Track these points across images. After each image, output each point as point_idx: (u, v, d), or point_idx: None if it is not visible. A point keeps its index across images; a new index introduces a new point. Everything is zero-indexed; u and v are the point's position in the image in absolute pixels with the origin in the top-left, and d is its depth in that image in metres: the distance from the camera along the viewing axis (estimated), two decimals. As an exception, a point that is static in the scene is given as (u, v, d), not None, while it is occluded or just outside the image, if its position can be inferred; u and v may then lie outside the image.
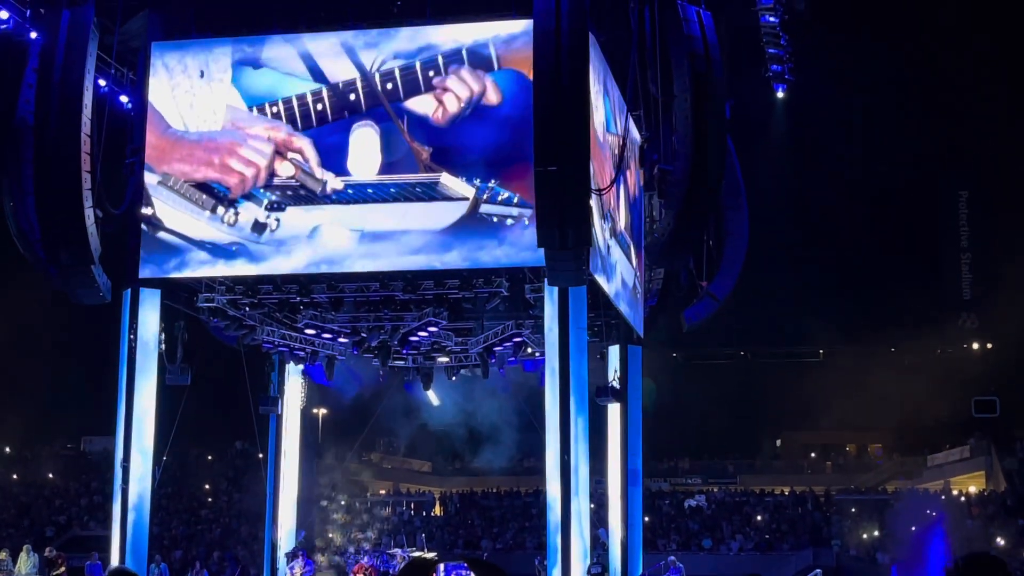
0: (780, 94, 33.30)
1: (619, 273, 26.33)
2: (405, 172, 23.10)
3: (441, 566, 27.98)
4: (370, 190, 23.26)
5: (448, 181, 22.83)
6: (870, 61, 49.54)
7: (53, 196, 21.98)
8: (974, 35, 47.93)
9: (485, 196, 22.58)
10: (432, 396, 32.54)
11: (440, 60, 23.13)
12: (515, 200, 22.42)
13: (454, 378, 30.47)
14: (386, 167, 23.19)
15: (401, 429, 45.05)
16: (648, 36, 23.49)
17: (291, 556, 29.59)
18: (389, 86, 23.35)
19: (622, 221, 26.77)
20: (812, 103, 41.46)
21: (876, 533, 40.92)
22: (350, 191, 23.35)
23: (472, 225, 22.64)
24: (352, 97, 23.49)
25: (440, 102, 23.06)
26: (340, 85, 23.56)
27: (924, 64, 49.98)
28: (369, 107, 23.44)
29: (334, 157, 23.46)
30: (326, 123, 23.56)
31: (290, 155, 23.62)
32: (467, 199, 22.67)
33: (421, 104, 23.17)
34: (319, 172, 23.44)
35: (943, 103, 52.22)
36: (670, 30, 22.72)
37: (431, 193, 22.90)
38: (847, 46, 45.89)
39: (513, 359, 28.23)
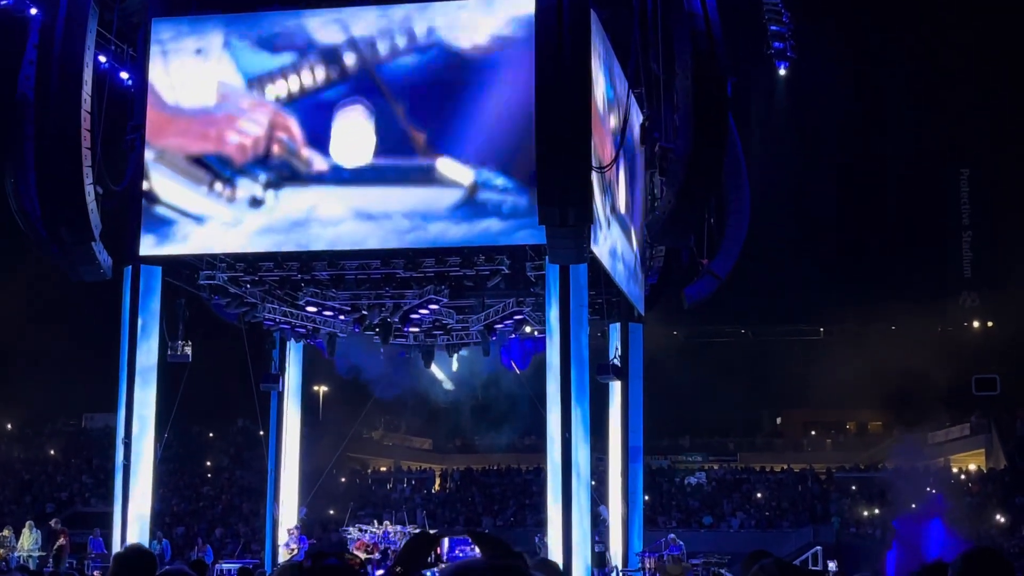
0: (782, 71, 33.14)
1: (619, 249, 26.27)
2: (399, 155, 22.86)
3: (446, 541, 28.06)
4: (367, 173, 23.04)
5: (445, 168, 22.56)
6: (871, 38, 49.39)
7: (53, 173, 21.91)
8: (975, 13, 47.76)
9: (483, 181, 22.33)
10: (439, 374, 32.56)
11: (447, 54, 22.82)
12: (512, 187, 22.14)
13: (455, 356, 30.49)
14: (380, 151, 22.96)
15: (402, 407, 45.16)
16: (650, 13, 23.35)
17: (290, 533, 29.72)
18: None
19: (622, 196, 26.69)
20: (813, 81, 41.29)
21: (876, 511, 41.05)
22: (346, 173, 23.12)
23: (471, 207, 22.46)
24: (348, 63, 23.10)
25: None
26: (332, 51, 23.18)
27: (925, 42, 49.85)
28: (362, 84, 23.15)
29: (322, 139, 23.25)
30: (321, 91, 23.25)
31: (277, 133, 23.45)
32: (464, 186, 22.47)
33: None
34: (304, 152, 23.22)
35: (944, 80, 52.10)
36: (672, 7, 22.58)
37: (428, 178, 22.68)
38: (848, 21, 45.73)
39: (516, 339, 28.31)
